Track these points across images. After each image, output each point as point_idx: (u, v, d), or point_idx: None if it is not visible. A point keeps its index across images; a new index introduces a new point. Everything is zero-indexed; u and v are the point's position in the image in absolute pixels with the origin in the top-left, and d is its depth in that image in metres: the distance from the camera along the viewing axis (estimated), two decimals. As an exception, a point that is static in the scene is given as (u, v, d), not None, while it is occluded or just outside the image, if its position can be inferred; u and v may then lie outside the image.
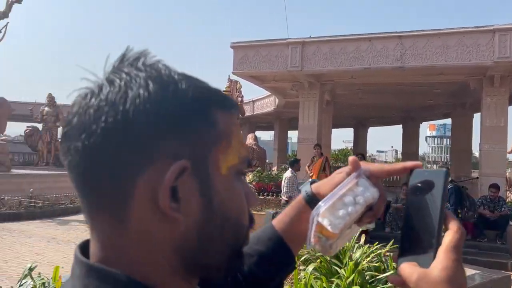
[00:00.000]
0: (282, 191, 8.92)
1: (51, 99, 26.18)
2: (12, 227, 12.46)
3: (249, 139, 19.00)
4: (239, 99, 15.13)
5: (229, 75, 17.80)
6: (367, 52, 11.30)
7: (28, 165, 26.42)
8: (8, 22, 16.33)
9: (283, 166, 17.79)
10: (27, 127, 26.26)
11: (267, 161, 21.86)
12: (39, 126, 26.49)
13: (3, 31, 16.23)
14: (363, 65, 11.27)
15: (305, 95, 12.54)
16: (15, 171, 17.33)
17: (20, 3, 16.58)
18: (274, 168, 19.22)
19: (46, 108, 26.18)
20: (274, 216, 6.81)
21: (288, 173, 8.78)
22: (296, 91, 13.21)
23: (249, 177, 16.70)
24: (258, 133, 20.77)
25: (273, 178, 13.47)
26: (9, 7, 16.39)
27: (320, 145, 10.61)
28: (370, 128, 25.03)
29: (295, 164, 8.81)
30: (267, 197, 11.98)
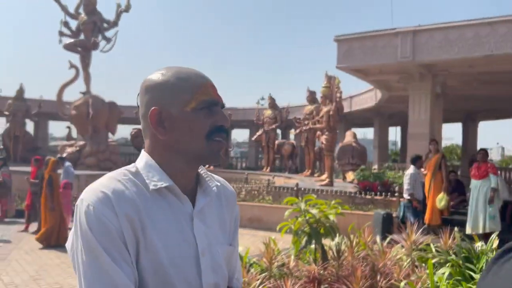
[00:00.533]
0: (404, 188, 8.37)
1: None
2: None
3: (348, 137, 18.34)
4: (338, 95, 14.60)
5: (326, 71, 17.31)
6: (488, 37, 10.20)
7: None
8: (117, 31, 17.48)
9: (386, 165, 16.87)
10: (133, 128, 28.02)
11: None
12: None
13: (113, 39, 17.38)
14: (484, 52, 10.17)
15: (415, 88, 11.67)
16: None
17: (128, 11, 17.66)
18: (375, 167, 18.32)
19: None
20: (384, 217, 6.15)
21: (410, 170, 8.30)
22: (403, 84, 12.36)
23: (351, 175, 16.12)
24: (358, 131, 19.99)
25: (379, 177, 12.74)
26: (118, 16, 17.53)
27: (437, 141, 9.75)
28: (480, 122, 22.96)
29: (417, 160, 8.20)
30: (374, 197, 11.32)
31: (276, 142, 24.29)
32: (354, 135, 18.49)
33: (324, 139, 13.92)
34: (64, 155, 15.30)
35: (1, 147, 33.31)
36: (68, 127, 27.52)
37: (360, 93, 20.39)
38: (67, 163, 13.00)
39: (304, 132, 20.83)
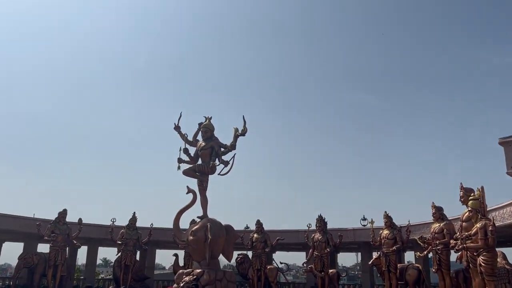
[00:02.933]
0: None
1: (259, 225, 26.87)
2: None
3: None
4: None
5: (461, 183, 15.57)
6: None
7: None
8: (235, 154, 17.58)
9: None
10: (238, 254, 27.03)
11: None
12: (249, 253, 27.03)
13: (231, 162, 17.40)
14: None
15: None
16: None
17: (244, 135, 17.91)
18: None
19: (255, 235, 26.73)
20: None
21: None
22: None
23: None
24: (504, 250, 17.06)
25: None
26: (235, 140, 17.78)
27: None
28: None
29: None
30: None
31: (399, 266, 21.69)
32: (504, 256, 15.77)
33: (482, 260, 11.71)
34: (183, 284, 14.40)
35: (110, 276, 33.77)
36: (175, 255, 27.35)
37: (501, 206, 17.91)
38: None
39: (436, 253, 18.36)
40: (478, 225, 11.82)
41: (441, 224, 18.42)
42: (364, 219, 33.13)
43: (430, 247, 18.76)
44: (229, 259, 18.84)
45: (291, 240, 27.78)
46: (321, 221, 25.18)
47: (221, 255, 17.72)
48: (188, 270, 17.01)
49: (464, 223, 14.68)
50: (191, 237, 16.94)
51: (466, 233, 13.58)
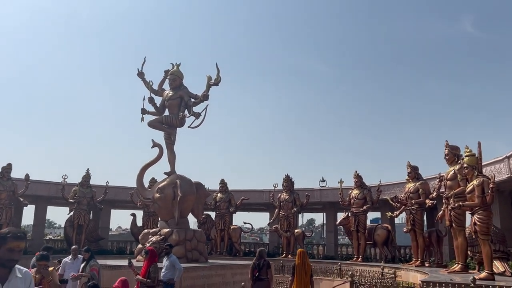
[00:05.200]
0: None
1: (223, 185, 25.72)
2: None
3: None
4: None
5: (446, 141, 15.00)
6: None
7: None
8: (207, 105, 16.03)
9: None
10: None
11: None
12: (212, 213, 25.93)
13: (203, 113, 15.87)
14: None
15: None
16: (212, 261, 15.95)
17: (218, 85, 16.34)
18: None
19: (219, 195, 25.60)
20: None
21: None
22: None
23: (499, 265, 13.00)
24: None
25: None
26: (208, 89, 16.19)
27: None
28: None
29: None
30: None
31: (367, 226, 21.41)
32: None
33: (477, 219, 11.17)
34: (158, 244, 13.07)
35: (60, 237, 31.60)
36: (133, 215, 25.77)
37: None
38: (173, 256, 10.68)
39: (410, 213, 18.03)
40: (475, 182, 11.22)
41: (417, 184, 18.03)
42: (323, 180, 32.85)
43: (404, 207, 18.41)
44: (199, 218, 17.65)
45: (255, 200, 26.90)
46: (288, 181, 24.41)
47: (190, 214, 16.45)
48: (154, 229, 15.65)
49: (448, 182, 14.18)
50: (157, 195, 15.48)
51: (456, 190, 13.06)
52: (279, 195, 24.38)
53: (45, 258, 6.52)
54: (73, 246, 11.23)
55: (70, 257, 10.90)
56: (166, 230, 14.81)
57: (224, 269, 13.91)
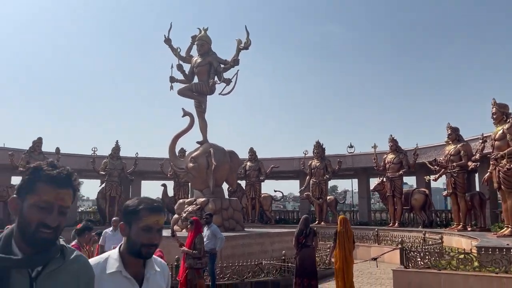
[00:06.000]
0: None
1: (252, 153, 25.35)
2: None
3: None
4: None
5: (493, 99, 14.14)
6: None
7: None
8: (238, 70, 15.41)
9: None
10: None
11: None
12: (242, 182, 25.70)
13: (233, 79, 15.28)
14: None
15: None
16: (248, 230, 15.74)
17: (248, 49, 15.66)
18: None
19: (249, 163, 25.27)
20: None
21: None
22: None
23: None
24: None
25: None
26: (238, 53, 15.55)
27: None
28: None
29: None
30: None
31: (404, 191, 20.81)
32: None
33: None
34: (202, 214, 12.83)
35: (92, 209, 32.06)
36: (164, 185, 25.76)
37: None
38: (214, 225, 10.42)
39: (451, 176, 17.31)
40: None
41: (458, 146, 17.22)
42: (351, 146, 32.13)
43: (444, 170, 17.68)
44: (233, 186, 17.37)
45: (285, 168, 26.49)
46: (319, 147, 23.82)
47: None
48: (190, 199, 15.42)
49: (496, 142, 13.39)
50: (191, 164, 15.17)
51: (507, 150, 12.32)
52: (310, 162, 23.88)
53: (90, 229, 6.50)
54: (114, 218, 11.11)
55: (110, 228, 10.77)
56: (202, 199, 14.57)
57: (262, 238, 13.66)
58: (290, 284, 11.89)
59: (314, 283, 9.87)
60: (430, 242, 14.05)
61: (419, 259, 9.93)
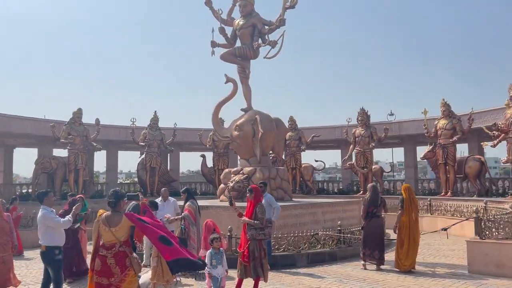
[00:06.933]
0: None
1: (292, 122, 24.49)
2: (345, 271, 9.57)
3: None
4: None
5: None
6: None
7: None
8: (284, 30, 14.44)
9: None
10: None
11: None
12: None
13: (280, 41, 14.34)
14: None
15: None
16: (296, 199, 15.12)
17: (294, 7, 14.64)
18: None
19: (289, 133, 24.46)
20: None
21: None
22: None
23: None
24: None
25: None
26: (283, 12, 14.56)
27: None
28: None
29: None
30: None
31: (457, 158, 19.60)
32: None
33: None
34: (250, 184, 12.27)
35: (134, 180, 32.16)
36: (203, 156, 25.40)
37: None
38: (268, 194, 9.82)
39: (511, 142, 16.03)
40: None
41: (522, 109, 15.86)
42: (391, 114, 30.72)
43: (504, 135, 16.40)
44: (279, 156, 16.70)
45: (325, 137, 25.57)
46: (363, 114, 22.71)
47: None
48: (236, 168, 14.85)
49: None
50: (236, 132, 14.53)
51: None
52: (354, 130, 22.85)
53: (137, 198, 6.09)
54: (163, 189, 10.69)
55: (160, 198, 10.38)
56: (248, 168, 13.97)
57: (315, 208, 13.00)
58: (346, 256, 11.32)
59: (383, 255, 9.27)
60: (494, 212, 13.07)
61: (494, 230, 9.06)
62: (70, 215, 6.87)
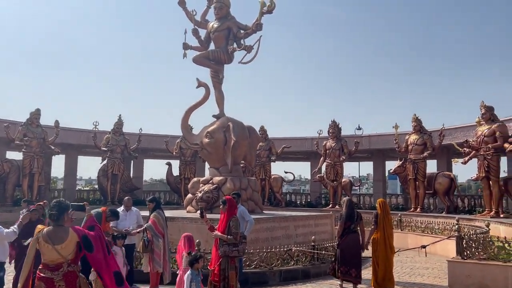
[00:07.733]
0: None
1: (263, 132, 23.94)
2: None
3: None
4: None
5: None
6: None
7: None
8: (261, 36, 13.87)
9: None
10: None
11: None
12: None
13: (256, 46, 13.75)
14: None
15: None
16: (267, 212, 14.46)
17: (272, 12, 14.12)
18: None
19: (260, 143, 23.88)
20: None
21: None
22: None
23: None
24: None
25: None
26: (261, 17, 14.00)
27: None
28: None
29: None
30: None
31: (427, 174, 19.55)
32: None
33: None
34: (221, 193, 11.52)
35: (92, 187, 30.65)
36: (169, 164, 24.40)
37: None
38: (242, 206, 9.13)
39: (484, 159, 16.07)
40: None
41: (492, 126, 15.94)
42: (359, 128, 30.71)
43: (475, 152, 16.42)
44: (251, 165, 16.00)
45: (296, 149, 25.16)
46: (335, 127, 22.46)
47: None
48: (205, 177, 14.06)
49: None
50: (206, 140, 13.77)
51: None
52: (325, 142, 22.55)
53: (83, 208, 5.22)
54: (126, 197, 9.77)
55: (122, 208, 9.46)
56: (218, 178, 13.21)
57: (287, 221, 12.38)
58: (320, 273, 10.73)
59: (360, 273, 8.71)
60: (466, 230, 12.85)
61: (474, 249, 8.69)
62: (15, 226, 5.92)
